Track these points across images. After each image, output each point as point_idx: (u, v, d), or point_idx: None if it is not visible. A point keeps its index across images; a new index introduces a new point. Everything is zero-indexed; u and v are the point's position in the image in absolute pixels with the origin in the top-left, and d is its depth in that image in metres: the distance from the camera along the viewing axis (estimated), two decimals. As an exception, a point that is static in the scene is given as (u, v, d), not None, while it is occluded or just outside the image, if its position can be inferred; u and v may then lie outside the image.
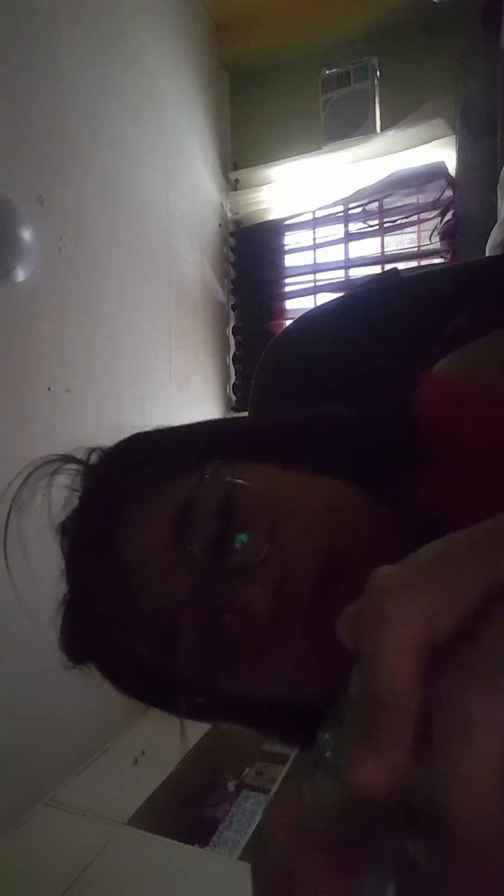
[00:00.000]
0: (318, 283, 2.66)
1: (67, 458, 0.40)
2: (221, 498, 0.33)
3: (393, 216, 2.48)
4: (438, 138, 2.29)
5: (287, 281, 2.70)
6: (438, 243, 2.37)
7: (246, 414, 0.56)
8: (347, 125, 2.46)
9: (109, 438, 0.42)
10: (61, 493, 0.39)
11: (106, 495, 0.37)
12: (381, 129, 2.43)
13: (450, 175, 2.31)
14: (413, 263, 2.47)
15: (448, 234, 2.32)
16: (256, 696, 0.34)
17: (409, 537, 0.28)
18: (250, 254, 2.73)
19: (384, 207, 2.48)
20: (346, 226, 2.57)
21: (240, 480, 0.34)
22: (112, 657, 0.37)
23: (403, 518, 0.33)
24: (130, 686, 0.39)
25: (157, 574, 0.33)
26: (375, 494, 0.34)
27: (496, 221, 1.60)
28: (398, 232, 2.51)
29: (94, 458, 0.40)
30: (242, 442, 0.39)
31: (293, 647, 0.31)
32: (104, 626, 0.36)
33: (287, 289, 2.70)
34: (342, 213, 2.56)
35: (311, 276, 2.67)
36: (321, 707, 0.33)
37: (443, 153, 2.32)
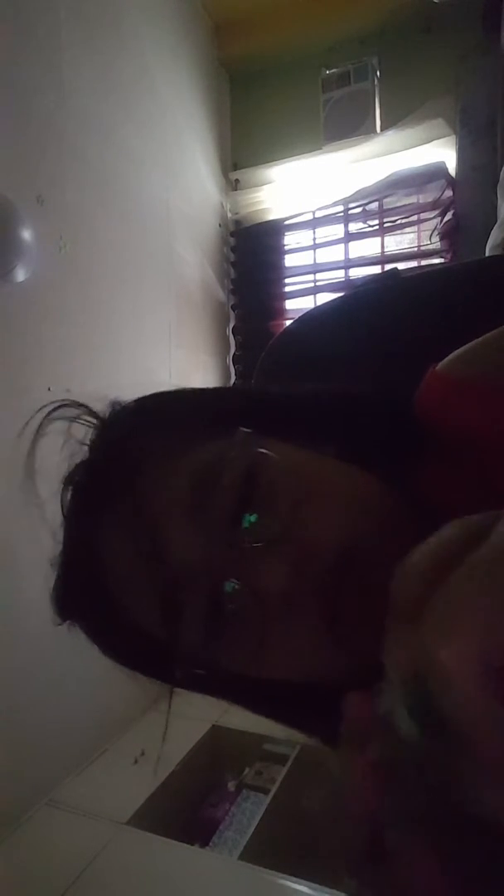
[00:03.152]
0: (318, 283, 2.66)
1: (82, 406, 0.39)
2: (249, 467, 0.32)
3: (393, 216, 2.47)
4: (438, 138, 2.29)
5: (287, 281, 2.70)
6: (438, 243, 2.37)
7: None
8: (347, 125, 2.46)
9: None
10: (70, 446, 0.38)
11: (123, 451, 0.36)
12: (381, 129, 2.43)
13: (450, 175, 2.31)
14: (413, 263, 2.47)
15: (448, 234, 2.32)
16: (252, 674, 0.34)
17: (420, 531, 0.29)
18: (250, 254, 2.73)
19: (384, 207, 2.48)
20: (346, 226, 2.57)
21: (270, 453, 0.33)
22: (106, 616, 0.36)
23: (416, 511, 0.33)
24: (120, 650, 0.38)
25: (170, 536, 0.32)
26: (392, 485, 0.34)
27: (496, 221, 1.60)
28: (398, 232, 2.51)
29: (109, 412, 0.39)
30: (268, 412, 0.38)
31: (301, 628, 0.31)
32: (104, 582, 0.35)
33: (287, 289, 2.69)
34: (342, 213, 2.56)
35: (311, 276, 2.67)
36: (315, 689, 0.33)
37: (443, 153, 2.32)
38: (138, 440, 0.36)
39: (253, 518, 0.32)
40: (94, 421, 0.39)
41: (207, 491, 0.32)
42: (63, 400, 0.39)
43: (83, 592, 0.36)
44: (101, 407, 0.39)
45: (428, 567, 0.19)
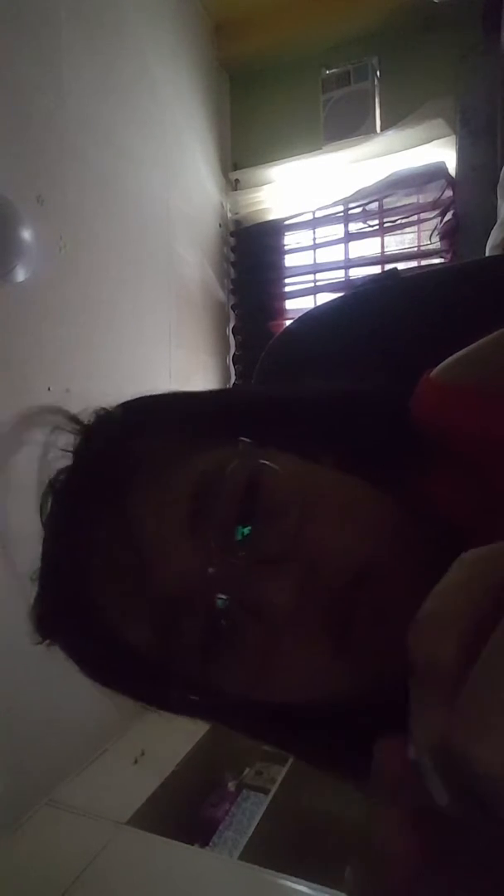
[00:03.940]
0: (318, 283, 2.66)
1: (63, 413, 0.36)
2: (251, 480, 0.30)
3: (393, 216, 2.47)
4: (438, 138, 2.29)
5: (287, 281, 2.70)
6: (438, 243, 2.37)
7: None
8: (347, 125, 2.46)
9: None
10: (49, 452, 0.35)
11: (111, 459, 0.34)
12: (381, 129, 2.43)
13: (450, 175, 2.31)
14: (413, 263, 2.47)
15: (448, 234, 2.32)
16: (254, 698, 0.32)
17: (423, 543, 0.28)
18: (250, 254, 2.73)
19: (384, 207, 2.48)
20: (346, 226, 2.57)
21: (273, 465, 0.31)
22: (92, 637, 0.33)
23: (418, 519, 0.32)
24: (107, 673, 0.36)
25: (165, 551, 0.30)
26: (394, 494, 0.33)
27: (496, 221, 1.60)
28: (398, 232, 2.51)
29: (93, 418, 0.36)
30: (268, 420, 0.36)
31: (306, 648, 0.29)
32: (90, 599, 0.32)
33: (287, 289, 2.69)
34: (342, 213, 2.56)
35: (311, 276, 2.67)
36: (311, 713, 0.32)
37: (443, 153, 2.32)
38: (129, 448, 0.34)
39: (256, 533, 0.30)
40: (77, 427, 0.36)
41: (206, 504, 0.30)
42: (42, 406, 0.36)
43: (67, 611, 0.34)
44: (81, 413, 0.37)
45: (450, 625, 0.18)
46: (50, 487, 0.35)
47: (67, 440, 0.36)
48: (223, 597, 0.29)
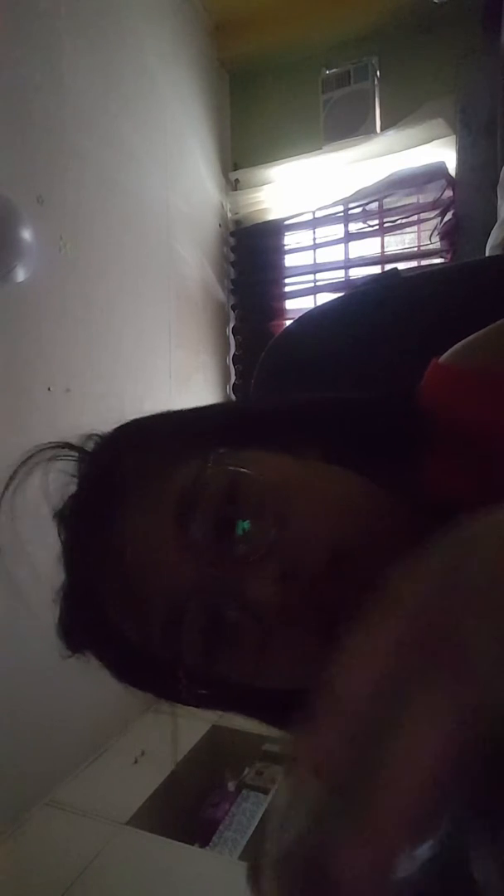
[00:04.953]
0: (318, 283, 2.66)
1: (65, 445, 0.40)
2: (226, 487, 0.32)
3: (393, 216, 2.47)
4: (438, 138, 2.29)
5: (287, 281, 2.70)
6: (438, 243, 2.37)
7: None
8: (347, 125, 2.46)
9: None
10: (59, 481, 0.39)
11: (105, 481, 0.37)
12: (381, 129, 2.43)
13: (450, 175, 2.31)
14: (413, 263, 2.47)
15: (448, 234, 2.32)
16: (260, 686, 0.34)
17: (416, 525, 0.29)
18: (250, 254, 2.73)
19: (384, 207, 2.48)
20: (346, 226, 2.57)
21: (244, 469, 0.33)
22: (111, 646, 0.37)
23: (411, 507, 0.33)
24: (130, 676, 0.39)
25: (160, 563, 0.33)
26: (382, 483, 0.34)
27: (496, 221, 1.60)
28: (398, 232, 2.51)
29: (91, 444, 0.40)
30: (247, 427, 0.39)
31: (298, 637, 0.31)
32: (104, 614, 0.35)
33: (287, 289, 2.69)
34: (342, 213, 2.55)
35: (311, 276, 2.67)
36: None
37: (443, 153, 2.32)
38: (120, 470, 0.36)
39: (241, 534, 0.32)
40: (79, 455, 0.39)
41: (188, 517, 0.32)
42: (47, 444, 0.39)
43: (86, 626, 0.37)
44: (78, 442, 0.40)
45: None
46: (59, 515, 0.38)
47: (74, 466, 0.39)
48: (215, 600, 0.32)
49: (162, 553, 0.33)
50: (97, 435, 0.40)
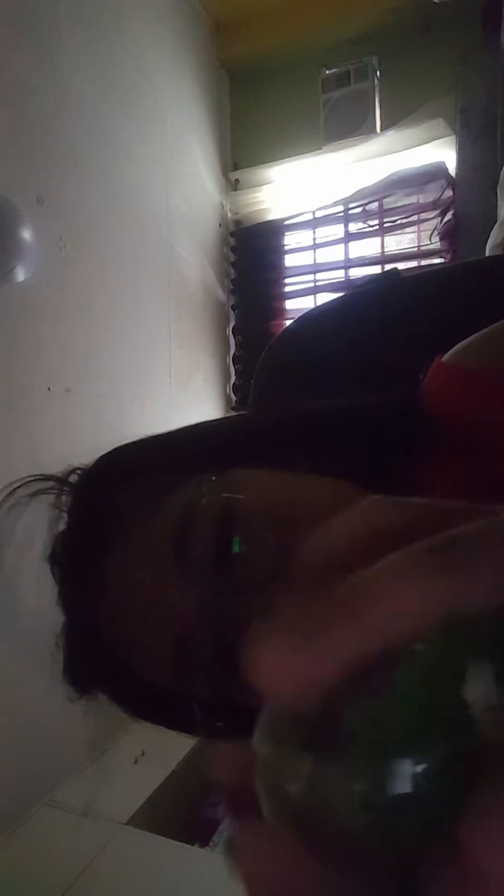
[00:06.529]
0: (318, 283, 2.66)
1: (48, 478, 0.38)
2: (221, 514, 0.31)
3: (393, 216, 2.47)
4: (438, 138, 2.29)
5: (287, 281, 2.70)
6: (438, 243, 2.37)
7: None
8: (347, 125, 2.45)
9: (109, 439, 0.40)
10: (42, 514, 0.37)
11: (94, 518, 0.35)
12: (381, 129, 2.43)
13: (450, 175, 2.31)
14: (413, 263, 2.47)
15: (448, 234, 2.32)
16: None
17: None
18: (250, 254, 2.73)
19: (384, 207, 2.48)
20: (346, 226, 2.57)
21: (237, 495, 0.32)
22: (121, 688, 0.36)
23: None
24: (144, 713, 0.38)
25: (161, 598, 0.32)
26: (377, 491, 0.33)
27: (496, 221, 1.60)
28: (398, 232, 2.51)
29: (75, 478, 0.38)
30: (234, 447, 0.37)
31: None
32: (111, 656, 0.34)
33: (287, 289, 2.69)
34: (342, 213, 2.55)
35: (311, 276, 2.67)
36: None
37: (443, 153, 2.32)
38: (109, 505, 0.35)
39: (239, 559, 0.31)
40: (65, 489, 0.38)
41: (187, 545, 0.31)
42: (29, 477, 0.38)
43: (94, 670, 0.36)
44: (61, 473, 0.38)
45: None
46: (51, 555, 0.37)
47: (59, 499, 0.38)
48: (222, 629, 0.30)
49: (162, 587, 0.32)
50: (80, 468, 0.38)
